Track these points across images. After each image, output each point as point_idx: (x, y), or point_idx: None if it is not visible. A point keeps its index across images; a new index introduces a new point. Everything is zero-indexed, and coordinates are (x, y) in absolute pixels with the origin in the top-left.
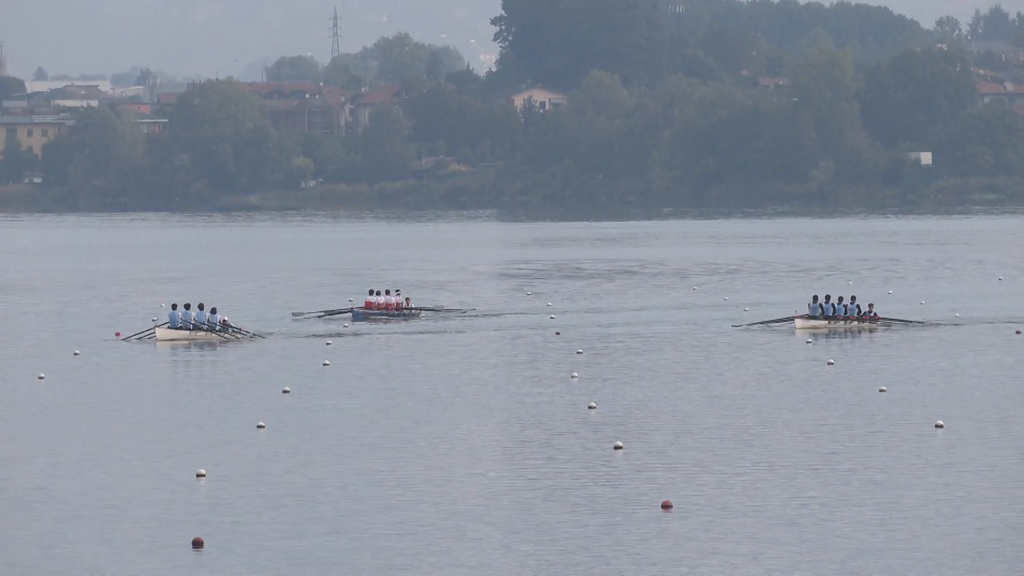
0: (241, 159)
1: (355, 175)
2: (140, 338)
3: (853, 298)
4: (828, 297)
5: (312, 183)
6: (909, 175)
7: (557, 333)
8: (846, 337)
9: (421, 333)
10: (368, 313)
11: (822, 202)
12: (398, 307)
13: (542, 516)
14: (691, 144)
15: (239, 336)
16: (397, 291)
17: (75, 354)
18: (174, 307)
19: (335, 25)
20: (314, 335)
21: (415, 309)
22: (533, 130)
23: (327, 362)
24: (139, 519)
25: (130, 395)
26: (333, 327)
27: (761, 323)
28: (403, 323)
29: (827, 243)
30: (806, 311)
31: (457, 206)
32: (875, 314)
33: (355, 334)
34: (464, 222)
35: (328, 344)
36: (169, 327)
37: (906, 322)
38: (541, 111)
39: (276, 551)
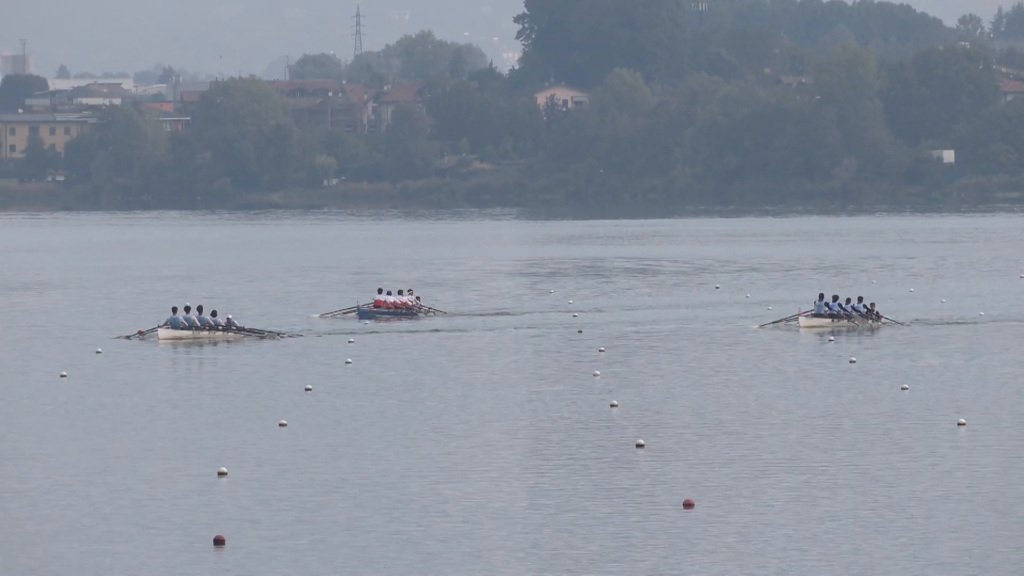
0: (264, 157)
1: (378, 173)
2: (143, 337)
3: (860, 298)
4: (836, 297)
5: (335, 181)
6: (932, 173)
7: (579, 331)
8: (865, 335)
9: (444, 331)
10: (375, 312)
11: (845, 200)
12: (407, 306)
13: (564, 514)
14: (714, 142)
15: (245, 334)
16: (410, 291)
17: (97, 352)
18: (174, 310)
19: (358, 23)
20: (332, 332)
21: (425, 308)
22: (556, 128)
23: (349, 360)
24: (160, 517)
25: (151, 393)
26: (359, 326)
27: (772, 323)
28: (413, 321)
29: (850, 241)
30: (811, 309)
31: (480, 204)
32: (877, 313)
33: (378, 332)
34: (486, 220)
35: (351, 342)
36: (170, 328)
37: (908, 323)
38: (564, 109)
39: (298, 549)
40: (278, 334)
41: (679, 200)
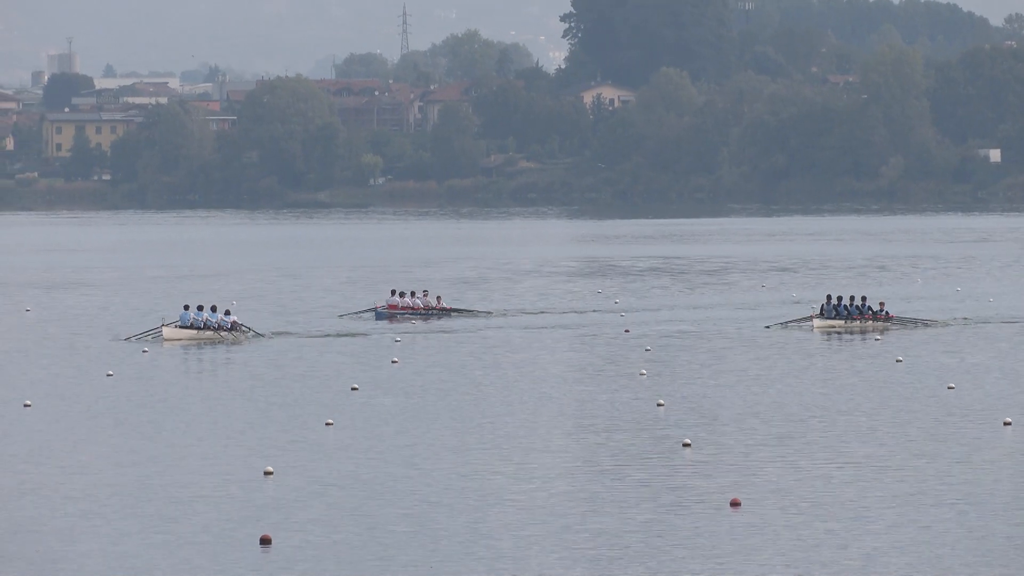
0: (310, 156)
1: (424, 172)
2: (140, 338)
3: (864, 298)
4: (840, 298)
5: (381, 180)
6: (978, 172)
7: (626, 331)
8: (913, 334)
9: (490, 330)
10: (392, 313)
11: (892, 199)
12: (426, 308)
13: (611, 513)
14: (760, 141)
15: (248, 336)
16: (424, 292)
17: (143, 352)
18: (186, 308)
19: (404, 22)
20: (343, 334)
21: (447, 309)
22: (602, 127)
23: (395, 359)
24: (207, 516)
25: (198, 393)
26: (403, 325)
27: (781, 324)
28: (435, 322)
29: (896, 240)
30: (816, 312)
31: (526, 203)
32: (887, 312)
33: (425, 332)
34: (532, 219)
35: (397, 341)
36: (178, 326)
37: (919, 322)
38: (610, 108)
39: (344, 549)
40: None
41: (725, 199)
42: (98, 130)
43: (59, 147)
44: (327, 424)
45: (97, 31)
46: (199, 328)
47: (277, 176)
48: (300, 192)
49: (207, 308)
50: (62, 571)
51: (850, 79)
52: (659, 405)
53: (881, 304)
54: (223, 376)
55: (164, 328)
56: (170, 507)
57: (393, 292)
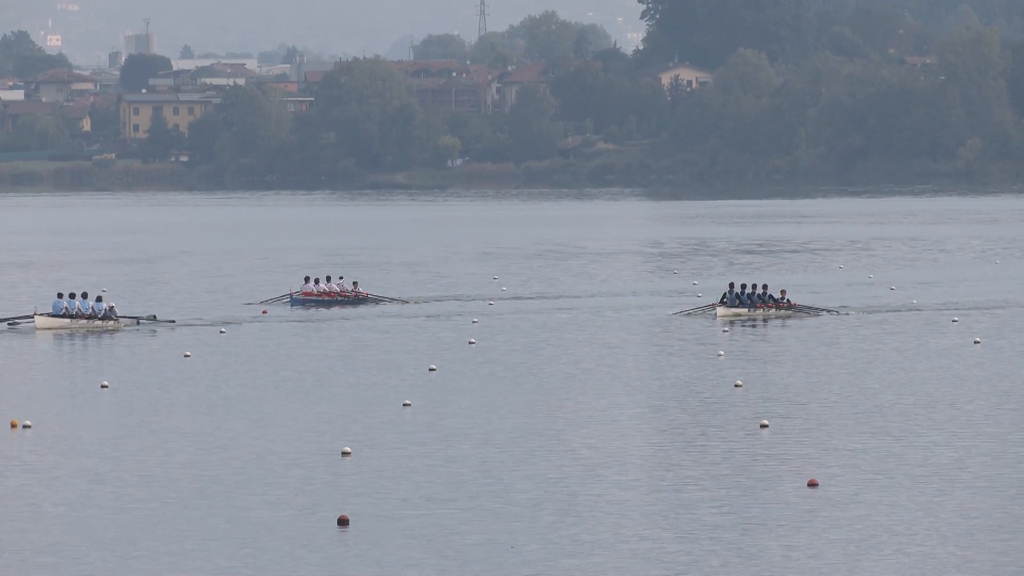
0: (387, 137)
1: (501, 154)
2: (13, 325)
3: (765, 286)
4: (744, 286)
5: (459, 162)
6: None
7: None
8: (1000, 316)
9: (567, 311)
10: (307, 300)
11: (969, 180)
12: (342, 294)
13: (689, 494)
14: (838, 122)
15: (125, 324)
16: (340, 277)
17: (220, 332)
18: (59, 296)
19: (482, 3)
20: (253, 321)
21: (363, 295)
22: (680, 108)
23: (473, 340)
24: (284, 496)
25: (275, 372)
26: (475, 306)
27: (686, 311)
28: (351, 309)
29: (970, 222)
30: (721, 299)
31: (603, 184)
32: (789, 300)
33: (500, 313)
34: (610, 200)
35: (474, 322)
36: (50, 315)
37: (820, 310)
38: (688, 89)
39: (423, 529)
40: (156, 319)
41: (803, 180)
42: (175, 111)
43: (136, 128)
44: (404, 404)
45: (175, 12)
46: (72, 316)
47: (354, 157)
48: (377, 173)
49: (79, 296)
50: (143, 553)
51: (927, 60)
52: (736, 386)
53: (783, 292)
54: (299, 356)
55: (37, 317)
56: (247, 486)
57: (307, 279)
